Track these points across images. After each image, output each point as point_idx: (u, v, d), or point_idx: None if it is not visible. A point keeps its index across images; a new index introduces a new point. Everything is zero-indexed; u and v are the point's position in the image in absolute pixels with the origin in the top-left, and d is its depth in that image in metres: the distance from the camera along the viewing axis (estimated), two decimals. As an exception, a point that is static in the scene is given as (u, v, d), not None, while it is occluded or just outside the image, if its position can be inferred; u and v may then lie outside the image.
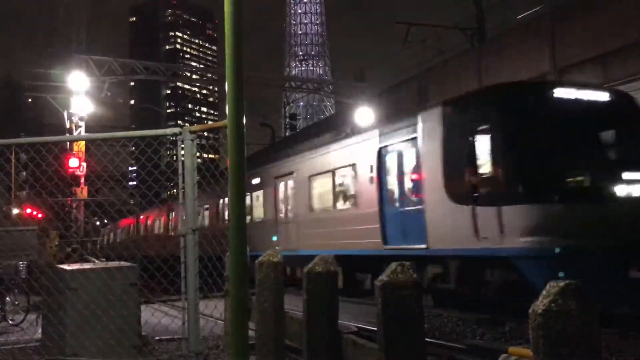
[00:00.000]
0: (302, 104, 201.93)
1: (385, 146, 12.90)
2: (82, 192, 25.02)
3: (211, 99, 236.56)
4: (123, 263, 6.82)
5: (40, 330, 7.10)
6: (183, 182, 5.26)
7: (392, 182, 12.85)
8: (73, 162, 24.18)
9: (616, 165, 10.30)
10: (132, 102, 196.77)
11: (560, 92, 10.50)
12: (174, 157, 5.35)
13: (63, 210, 22.78)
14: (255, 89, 33.71)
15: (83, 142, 24.27)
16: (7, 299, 10.60)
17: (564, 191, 9.65)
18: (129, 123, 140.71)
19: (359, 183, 13.91)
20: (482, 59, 21.77)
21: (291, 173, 17.32)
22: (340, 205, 15.00)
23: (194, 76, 44.99)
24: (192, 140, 5.29)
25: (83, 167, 24.72)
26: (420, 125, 11.71)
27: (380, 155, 12.99)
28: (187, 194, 5.26)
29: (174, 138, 5.40)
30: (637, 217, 9.16)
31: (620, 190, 9.50)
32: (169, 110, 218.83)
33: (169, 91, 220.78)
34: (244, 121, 3.21)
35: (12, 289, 10.77)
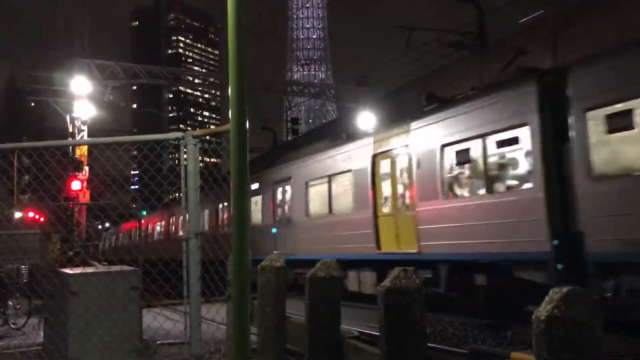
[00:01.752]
0: (303, 108, 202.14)
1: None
2: (85, 195, 25.04)
3: (213, 103, 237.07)
4: (125, 267, 6.81)
5: (42, 334, 7.10)
6: (186, 186, 5.26)
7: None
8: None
9: None
10: (134, 106, 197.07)
11: None
12: (177, 161, 5.37)
13: (65, 214, 22.78)
14: (257, 93, 33.75)
15: (85, 146, 24.30)
16: (9, 302, 10.61)
17: None
18: (131, 127, 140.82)
19: None
20: (484, 63, 21.76)
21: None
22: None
23: (196, 80, 45.11)
24: (194, 144, 5.30)
25: (86, 171, 24.75)
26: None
27: None
28: (190, 198, 5.26)
29: (176, 142, 5.41)
30: None
31: None
32: (171, 115, 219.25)
33: (171, 95, 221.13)
34: (247, 125, 3.21)
35: (14, 292, 10.78)
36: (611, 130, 8.64)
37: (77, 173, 24.44)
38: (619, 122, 8.52)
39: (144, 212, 36.06)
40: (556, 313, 2.40)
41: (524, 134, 9.85)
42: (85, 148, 24.90)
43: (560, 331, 2.39)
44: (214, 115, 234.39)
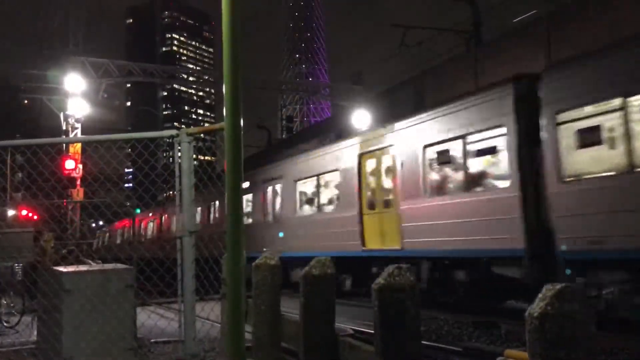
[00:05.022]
0: (298, 105, 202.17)
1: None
2: (78, 194, 24.95)
3: (208, 101, 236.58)
4: (119, 265, 6.79)
5: (35, 333, 7.07)
6: (180, 184, 5.25)
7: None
8: (69, 164, 24.09)
9: None
10: (128, 104, 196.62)
11: None
12: (171, 159, 5.36)
13: (59, 212, 22.70)
14: (252, 91, 33.71)
15: (79, 144, 24.22)
16: (3, 301, 10.56)
17: None
18: (125, 125, 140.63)
19: None
20: (478, 62, 21.82)
21: None
22: None
23: (191, 78, 45.00)
24: (189, 142, 5.29)
25: (79, 168, 24.66)
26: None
27: None
28: (184, 196, 5.25)
29: (171, 140, 5.40)
30: None
31: None
32: (165, 112, 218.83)
33: (165, 93, 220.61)
34: (241, 123, 3.21)
35: (8, 291, 10.73)
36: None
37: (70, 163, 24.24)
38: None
39: (138, 210, 35.94)
40: (549, 310, 2.41)
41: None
42: (78, 146, 24.80)
43: (554, 328, 2.40)
44: (208, 113, 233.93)
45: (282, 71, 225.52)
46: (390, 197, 12.99)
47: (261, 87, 34.44)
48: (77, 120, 26.49)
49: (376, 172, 13.60)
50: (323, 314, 4.93)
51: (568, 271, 8.80)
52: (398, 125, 12.97)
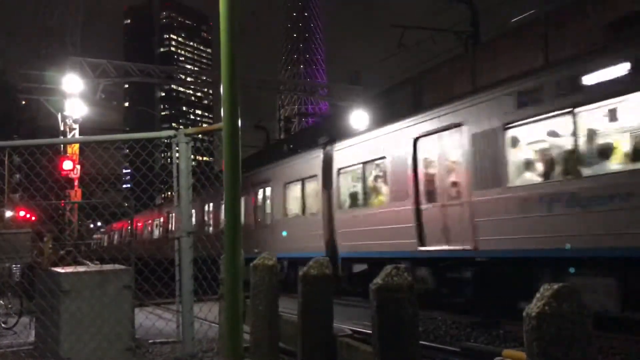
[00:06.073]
0: (296, 106, 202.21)
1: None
2: (76, 194, 24.88)
3: (205, 102, 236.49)
4: (117, 266, 6.78)
5: (33, 334, 7.06)
6: (178, 184, 5.25)
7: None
8: (67, 165, 24.03)
9: None
10: (126, 104, 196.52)
11: None
12: (169, 159, 5.36)
13: (57, 213, 22.63)
14: (250, 91, 33.65)
15: (77, 145, 24.16)
16: (1, 302, 10.54)
17: None
18: (123, 125, 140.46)
19: None
20: (477, 62, 21.82)
21: None
22: None
23: (189, 79, 44.93)
24: (187, 142, 5.28)
25: (77, 169, 24.60)
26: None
27: None
28: (182, 197, 5.25)
29: (168, 141, 5.40)
30: None
31: None
32: (163, 113, 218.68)
33: (163, 93, 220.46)
34: (239, 124, 3.20)
35: (6, 292, 10.70)
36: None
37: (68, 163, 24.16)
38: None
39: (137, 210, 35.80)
40: (547, 310, 2.42)
41: None
42: (76, 146, 24.74)
43: (551, 328, 2.40)
44: (206, 114, 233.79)
45: (280, 71, 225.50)
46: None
47: (259, 87, 34.37)
48: (74, 121, 26.40)
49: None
50: (321, 315, 4.93)
51: (572, 269, 8.86)
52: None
